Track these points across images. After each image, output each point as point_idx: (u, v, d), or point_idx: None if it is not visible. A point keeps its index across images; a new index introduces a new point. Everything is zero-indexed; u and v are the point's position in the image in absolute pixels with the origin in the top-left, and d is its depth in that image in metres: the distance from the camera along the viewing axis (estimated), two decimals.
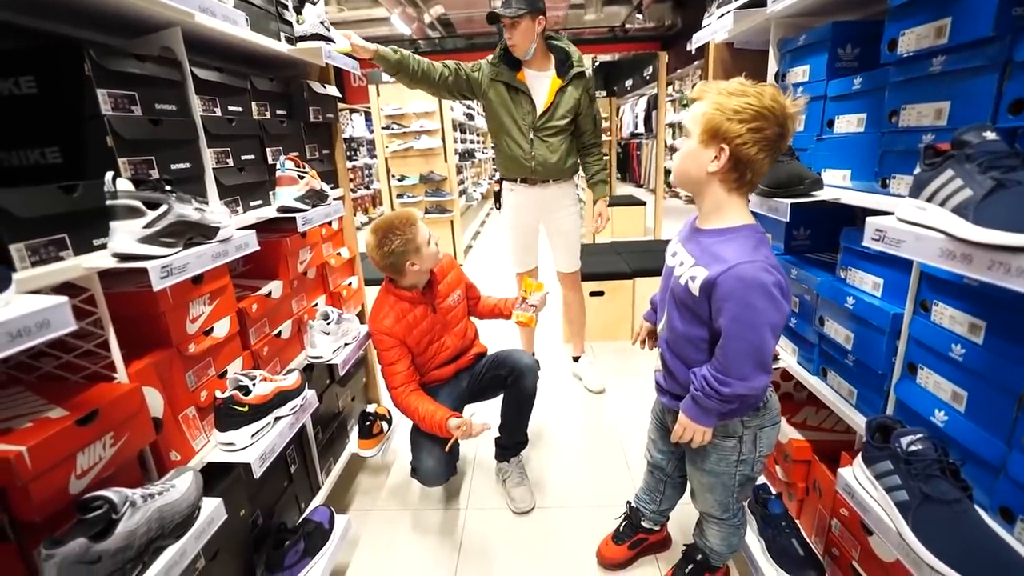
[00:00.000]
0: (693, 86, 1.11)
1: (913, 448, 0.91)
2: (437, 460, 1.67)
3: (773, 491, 1.56)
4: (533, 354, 2.82)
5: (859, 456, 1.05)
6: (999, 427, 0.87)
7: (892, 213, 0.94)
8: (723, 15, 1.56)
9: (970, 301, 0.93)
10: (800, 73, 1.42)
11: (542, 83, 2.23)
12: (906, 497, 0.89)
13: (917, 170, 0.87)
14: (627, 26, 9.03)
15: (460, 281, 1.89)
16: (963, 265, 0.73)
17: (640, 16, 8.07)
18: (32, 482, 0.75)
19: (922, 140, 1.00)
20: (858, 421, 1.21)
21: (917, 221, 0.84)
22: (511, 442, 1.93)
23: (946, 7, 0.93)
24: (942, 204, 0.79)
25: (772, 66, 1.55)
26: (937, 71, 0.96)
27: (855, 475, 1.05)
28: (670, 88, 6.97)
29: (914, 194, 0.87)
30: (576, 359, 2.84)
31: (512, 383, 1.82)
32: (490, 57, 2.25)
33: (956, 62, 0.93)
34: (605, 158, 2.51)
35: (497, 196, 2.64)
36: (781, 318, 1.01)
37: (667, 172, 7.92)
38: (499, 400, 1.89)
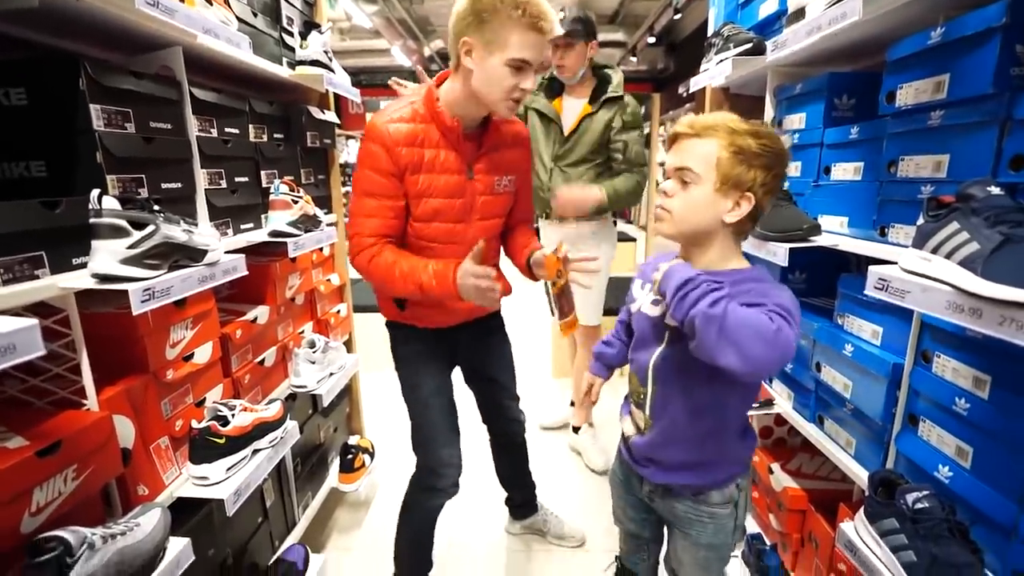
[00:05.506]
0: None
1: (919, 506, 0.88)
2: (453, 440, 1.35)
3: (768, 542, 1.51)
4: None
5: (861, 511, 1.01)
6: (1009, 487, 0.84)
7: (892, 262, 0.93)
8: (721, 61, 1.59)
9: (974, 354, 0.92)
10: (796, 120, 1.44)
11: (573, 110, 2.07)
12: (914, 558, 0.85)
13: (920, 221, 0.87)
14: (622, 68, 9.28)
15: (522, 168, 1.32)
16: (972, 319, 0.72)
17: (634, 59, 8.34)
18: None
19: (921, 191, 1.00)
20: (857, 472, 1.18)
21: (922, 272, 0.83)
22: (522, 497, 1.80)
23: (945, 63, 0.94)
24: (948, 256, 0.79)
25: (768, 112, 1.58)
26: (936, 124, 0.97)
27: (857, 531, 1.01)
28: (662, 128, 7.16)
29: (918, 245, 0.86)
30: (577, 430, 2.37)
31: (497, 434, 1.63)
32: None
33: (955, 117, 0.94)
34: (636, 181, 2.03)
35: (537, 232, 2.16)
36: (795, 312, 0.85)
37: None
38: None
